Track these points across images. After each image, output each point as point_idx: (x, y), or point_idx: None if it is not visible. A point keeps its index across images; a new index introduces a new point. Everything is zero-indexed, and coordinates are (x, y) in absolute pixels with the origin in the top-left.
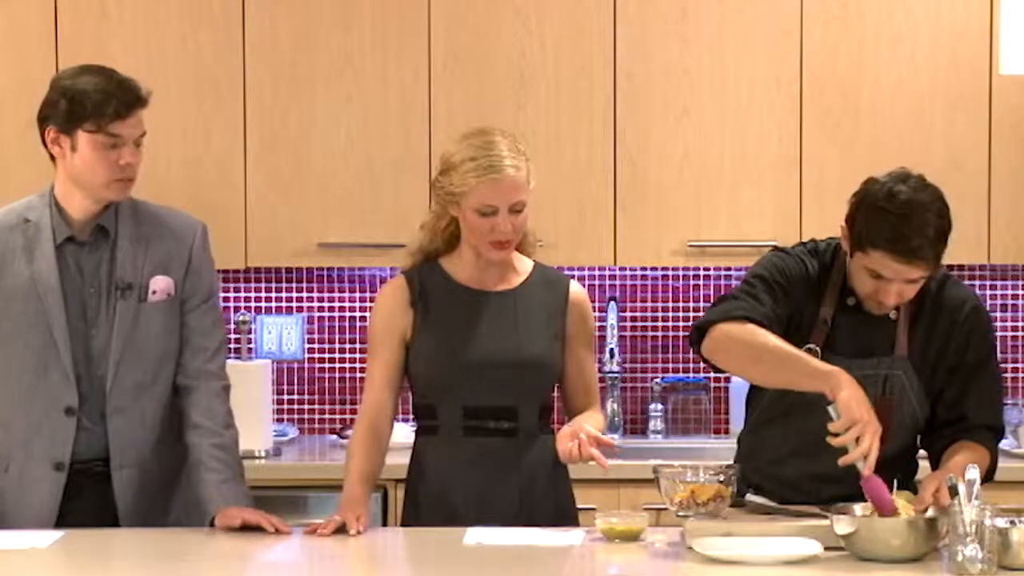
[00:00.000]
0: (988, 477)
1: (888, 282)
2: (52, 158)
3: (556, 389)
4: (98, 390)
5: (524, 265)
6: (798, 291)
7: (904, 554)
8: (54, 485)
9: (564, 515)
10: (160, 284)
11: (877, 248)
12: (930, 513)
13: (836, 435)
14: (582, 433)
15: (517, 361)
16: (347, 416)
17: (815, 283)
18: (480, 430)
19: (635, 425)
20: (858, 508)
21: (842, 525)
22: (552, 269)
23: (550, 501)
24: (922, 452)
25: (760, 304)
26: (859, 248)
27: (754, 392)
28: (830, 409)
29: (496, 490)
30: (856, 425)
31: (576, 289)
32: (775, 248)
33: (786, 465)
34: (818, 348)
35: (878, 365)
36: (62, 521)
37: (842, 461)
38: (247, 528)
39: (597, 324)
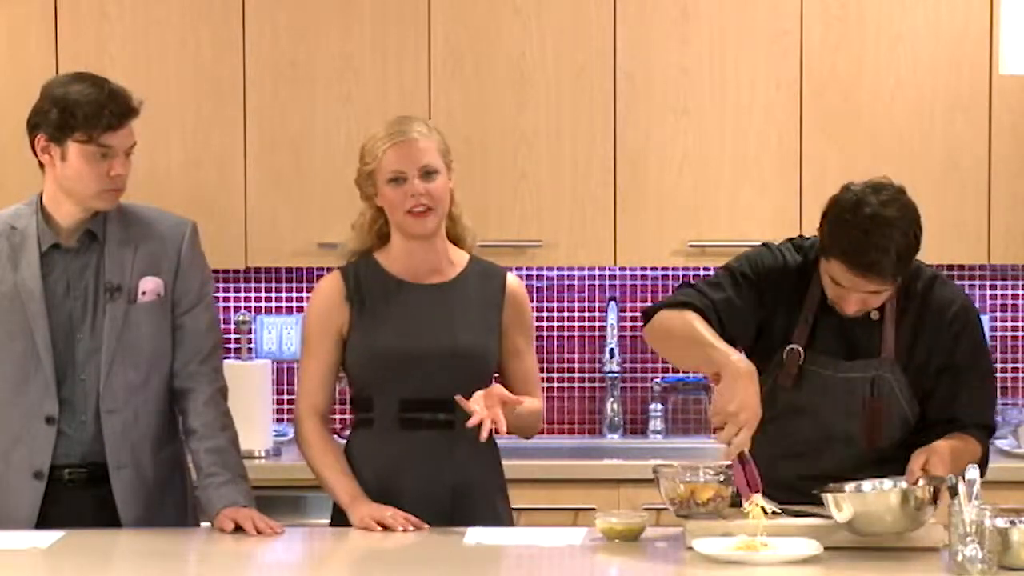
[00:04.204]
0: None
1: (848, 290)
2: (41, 165)
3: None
4: (80, 395)
5: (459, 257)
6: (770, 282)
7: (897, 528)
8: (33, 494)
9: (498, 514)
10: (149, 285)
11: (835, 257)
12: (920, 484)
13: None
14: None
15: (453, 352)
16: (347, 416)
17: (793, 277)
18: (417, 423)
19: (635, 425)
20: (849, 487)
21: (841, 512)
22: (488, 262)
23: (484, 498)
24: None
25: (713, 293)
26: (823, 253)
27: None
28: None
29: (429, 485)
30: (720, 414)
31: (512, 281)
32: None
33: (776, 468)
34: (800, 348)
35: (865, 367)
36: (44, 528)
37: (715, 438)
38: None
39: (597, 324)
